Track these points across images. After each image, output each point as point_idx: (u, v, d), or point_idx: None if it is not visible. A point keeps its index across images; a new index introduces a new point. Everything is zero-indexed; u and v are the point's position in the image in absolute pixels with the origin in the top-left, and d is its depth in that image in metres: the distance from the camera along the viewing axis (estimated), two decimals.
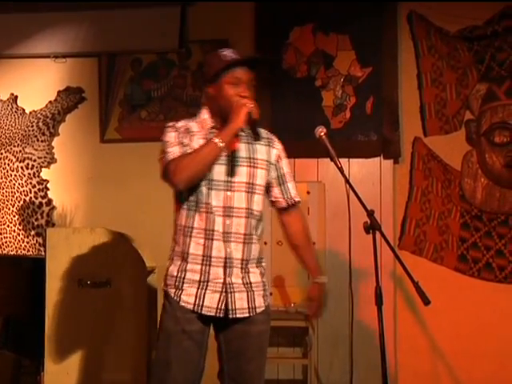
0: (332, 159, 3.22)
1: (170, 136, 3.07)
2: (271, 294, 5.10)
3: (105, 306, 4.33)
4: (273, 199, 3.26)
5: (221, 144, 2.91)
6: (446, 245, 5.23)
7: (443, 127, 5.28)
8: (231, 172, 3.03)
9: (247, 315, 3.04)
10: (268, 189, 3.22)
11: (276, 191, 3.24)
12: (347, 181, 3.18)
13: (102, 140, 5.57)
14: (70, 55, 5.61)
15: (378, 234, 3.07)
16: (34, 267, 4.46)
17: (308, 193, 5.17)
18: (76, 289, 4.33)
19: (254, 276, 3.10)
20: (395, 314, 5.18)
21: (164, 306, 3.11)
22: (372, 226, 3.07)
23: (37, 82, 5.65)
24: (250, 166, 3.08)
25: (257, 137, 3.06)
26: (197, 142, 3.02)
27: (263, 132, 3.19)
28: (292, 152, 5.22)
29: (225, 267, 3.01)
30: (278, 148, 3.24)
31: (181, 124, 3.11)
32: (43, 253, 4.60)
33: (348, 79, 5.34)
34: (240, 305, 3.02)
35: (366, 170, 5.27)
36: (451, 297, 5.14)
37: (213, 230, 3.00)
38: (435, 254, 5.24)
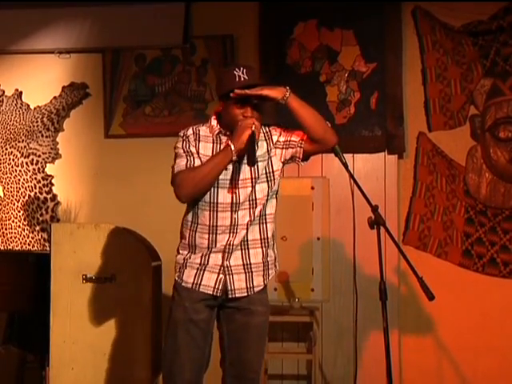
0: (336, 154, 3.22)
1: (179, 146, 3.28)
2: (276, 289, 5.10)
3: (109, 300, 4.34)
4: (296, 156, 3.29)
5: (234, 154, 3.11)
6: (450, 240, 5.23)
7: (448, 122, 5.27)
8: (236, 171, 3.22)
9: (245, 294, 3.24)
10: (292, 158, 3.29)
11: (290, 151, 3.28)
12: (351, 176, 3.18)
13: (106, 135, 5.57)
14: (74, 51, 5.60)
15: (382, 229, 3.08)
16: (39, 262, 4.48)
17: (312, 188, 5.17)
18: (81, 284, 4.34)
19: (255, 256, 3.27)
20: (399, 309, 5.17)
21: (173, 296, 3.32)
22: (376, 222, 3.08)
23: (41, 78, 5.65)
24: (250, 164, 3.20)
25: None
26: (203, 145, 3.25)
27: (263, 130, 3.30)
28: None
29: (224, 252, 3.22)
30: (274, 134, 3.31)
31: (190, 132, 3.30)
32: (48, 248, 4.61)
33: (352, 74, 5.33)
34: (238, 285, 3.24)
35: (371, 166, 5.27)
36: (455, 292, 5.14)
37: (217, 226, 3.21)
38: (439, 250, 5.24)
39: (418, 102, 5.31)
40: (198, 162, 3.21)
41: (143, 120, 5.54)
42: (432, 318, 5.16)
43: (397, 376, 4.97)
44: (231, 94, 3.12)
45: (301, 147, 3.24)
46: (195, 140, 3.26)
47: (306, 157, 3.28)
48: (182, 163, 3.22)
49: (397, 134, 5.25)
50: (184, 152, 3.24)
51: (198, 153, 3.24)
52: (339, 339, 5.19)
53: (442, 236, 5.24)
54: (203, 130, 3.30)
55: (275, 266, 3.38)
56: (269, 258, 3.32)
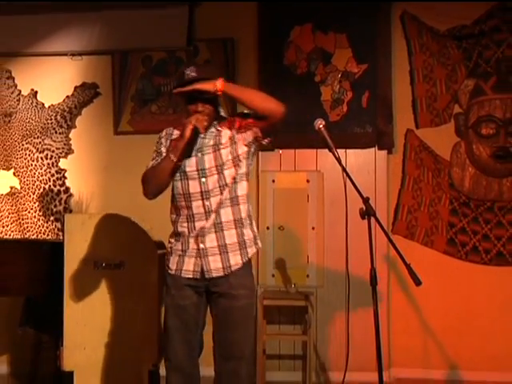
0: (330, 150, 3.22)
1: (154, 148, 3.39)
2: (273, 275, 5.12)
3: (118, 286, 4.34)
4: (257, 136, 3.30)
5: (173, 158, 3.18)
6: (436, 229, 5.24)
7: (434, 120, 5.28)
8: (201, 161, 3.23)
9: (222, 274, 3.23)
10: (255, 139, 3.30)
11: (249, 133, 3.28)
12: (344, 170, 3.18)
13: (115, 132, 5.57)
14: (85, 53, 5.60)
15: (372, 220, 3.08)
16: (53, 250, 4.47)
17: (308, 181, 5.18)
18: (92, 270, 4.34)
19: (230, 237, 3.25)
20: (388, 294, 5.19)
21: (165, 286, 3.36)
22: (367, 212, 3.08)
23: (55, 79, 5.65)
24: (215, 151, 3.25)
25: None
26: None
27: (227, 119, 3.34)
28: (293, 143, 5.28)
29: (197, 236, 3.23)
30: (236, 122, 3.31)
31: (163, 133, 3.40)
32: (61, 237, 4.61)
33: (345, 75, 5.33)
34: (214, 266, 3.23)
35: (362, 160, 5.27)
36: (441, 278, 5.15)
37: (193, 214, 3.24)
38: (426, 238, 5.25)
39: (406, 101, 5.32)
40: None
41: (150, 117, 5.54)
42: (419, 302, 5.18)
43: (386, 356, 4.98)
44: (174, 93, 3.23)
45: (257, 127, 3.25)
46: (166, 140, 3.33)
47: (266, 134, 3.28)
48: (150, 164, 3.34)
49: (386, 131, 5.26)
50: (155, 153, 3.35)
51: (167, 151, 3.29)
52: (332, 322, 5.20)
53: (428, 226, 5.25)
54: (176, 130, 3.35)
55: (255, 244, 3.34)
56: (245, 237, 3.29)
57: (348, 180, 3.16)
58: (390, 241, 3.20)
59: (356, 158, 5.26)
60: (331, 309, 5.20)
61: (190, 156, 3.23)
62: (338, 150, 3.21)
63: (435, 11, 5.21)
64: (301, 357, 5.27)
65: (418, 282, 2.99)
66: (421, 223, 5.26)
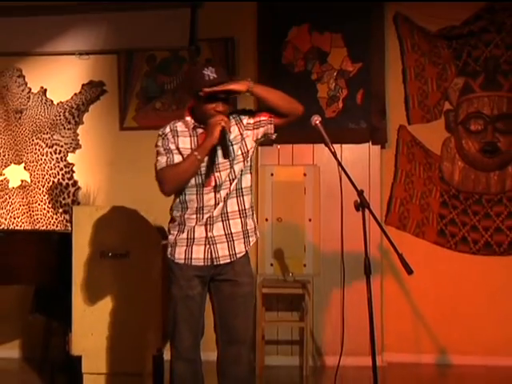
0: (326, 145, 3.22)
1: (159, 145, 3.28)
2: (272, 264, 5.12)
3: (124, 274, 4.35)
4: (268, 132, 3.28)
5: (199, 157, 3.10)
6: (426, 221, 5.25)
7: (425, 116, 5.29)
8: (216, 156, 3.18)
9: (229, 261, 3.24)
10: (265, 135, 3.28)
11: (261, 130, 3.27)
12: (340, 164, 3.18)
13: (121, 128, 5.57)
14: (92, 52, 5.59)
15: (366, 212, 3.08)
16: (62, 241, 4.47)
17: (305, 175, 5.18)
18: (99, 260, 4.34)
19: (235, 226, 3.26)
20: (382, 283, 5.20)
21: (169, 276, 3.31)
22: (362, 204, 3.08)
23: (63, 77, 5.64)
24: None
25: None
26: (182, 140, 3.23)
27: (232, 116, 3.27)
28: (290, 138, 5.27)
29: (206, 225, 3.22)
30: (243, 118, 3.28)
31: (168, 130, 3.27)
32: (70, 228, 4.62)
33: (340, 73, 5.33)
34: (222, 253, 3.23)
35: (357, 155, 5.28)
36: (431, 267, 5.17)
37: (203, 206, 3.21)
38: (417, 229, 5.26)
39: (398, 98, 5.33)
40: (177, 158, 3.19)
41: (154, 114, 5.53)
42: (410, 290, 5.20)
43: (379, 341, 5.00)
44: (200, 93, 3.11)
45: (271, 124, 3.24)
46: (173, 136, 3.23)
47: (276, 130, 3.27)
48: (163, 161, 3.21)
49: (380, 127, 5.26)
50: (164, 150, 3.23)
51: (177, 148, 3.21)
52: (328, 309, 5.21)
53: (420, 217, 5.26)
54: (180, 126, 3.26)
55: (255, 234, 3.35)
56: (248, 227, 3.29)
57: (343, 173, 3.16)
58: (383, 232, 3.21)
59: (351, 153, 5.27)
60: (327, 296, 5.22)
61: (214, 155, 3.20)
62: (333, 145, 3.21)
63: (426, 12, 5.21)
64: (298, 342, 5.28)
65: (409, 271, 3.00)
66: (412, 215, 5.27)
